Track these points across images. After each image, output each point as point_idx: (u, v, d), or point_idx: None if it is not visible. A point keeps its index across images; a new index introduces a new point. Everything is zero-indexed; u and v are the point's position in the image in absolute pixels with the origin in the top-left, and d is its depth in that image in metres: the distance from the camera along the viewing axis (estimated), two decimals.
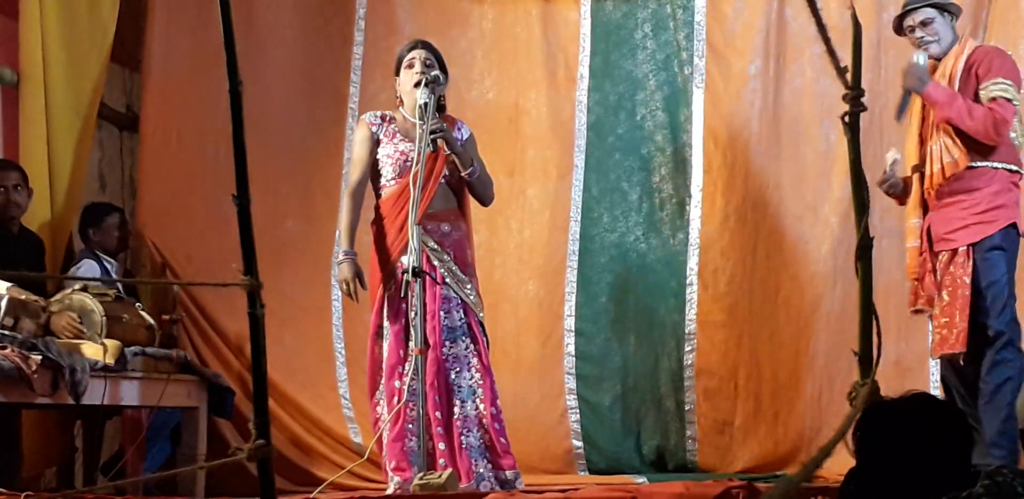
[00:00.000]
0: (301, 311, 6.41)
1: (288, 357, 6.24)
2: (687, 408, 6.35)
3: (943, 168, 5.08)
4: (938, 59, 5.22)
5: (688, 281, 6.44)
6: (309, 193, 6.62)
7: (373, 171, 5.26)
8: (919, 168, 5.21)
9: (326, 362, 6.46)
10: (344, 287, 5.15)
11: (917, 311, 5.27)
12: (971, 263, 5.05)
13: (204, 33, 6.38)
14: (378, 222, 5.22)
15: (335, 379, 6.43)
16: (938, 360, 5.38)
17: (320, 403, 6.37)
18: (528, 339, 6.49)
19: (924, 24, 5.21)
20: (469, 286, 5.18)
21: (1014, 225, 5.12)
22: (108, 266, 6.02)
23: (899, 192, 5.32)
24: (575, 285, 6.50)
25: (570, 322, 6.47)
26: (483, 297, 5.26)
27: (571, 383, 6.42)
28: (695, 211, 6.47)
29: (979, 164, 5.10)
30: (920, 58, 5.12)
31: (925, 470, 2.21)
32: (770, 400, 6.28)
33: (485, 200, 5.37)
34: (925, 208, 5.23)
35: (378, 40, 6.66)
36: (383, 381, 5.07)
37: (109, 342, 5.05)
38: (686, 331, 6.41)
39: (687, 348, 6.40)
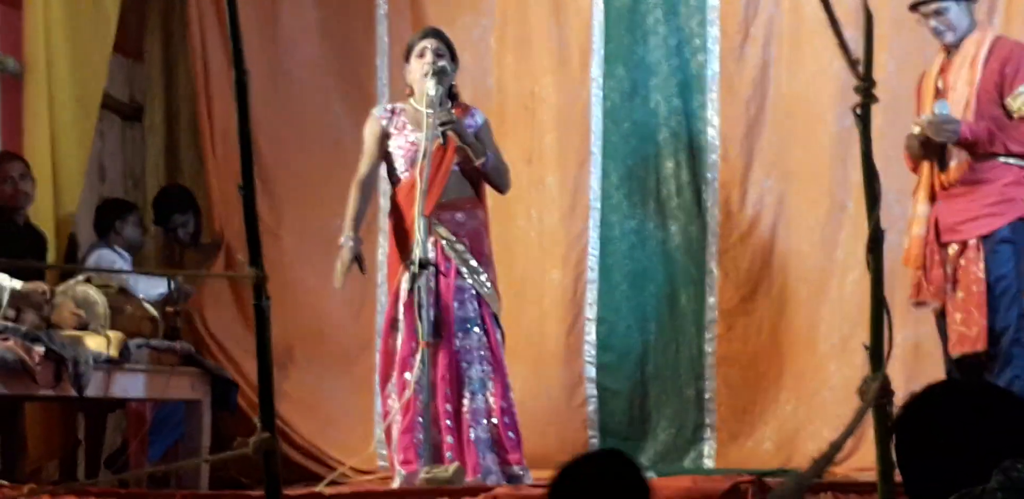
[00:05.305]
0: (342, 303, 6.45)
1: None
2: (707, 396, 6.30)
3: (961, 164, 5.02)
4: (955, 46, 5.13)
5: (708, 268, 6.39)
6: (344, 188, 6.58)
7: (388, 164, 5.22)
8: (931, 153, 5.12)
9: None
10: (338, 266, 5.05)
11: (920, 303, 5.18)
12: (982, 256, 4.99)
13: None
14: (394, 213, 5.19)
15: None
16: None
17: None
18: (551, 327, 6.43)
19: (938, 13, 5.10)
20: (484, 277, 5.11)
21: (1023, 219, 5.08)
22: (122, 261, 6.01)
23: (916, 154, 5.12)
24: (597, 273, 6.45)
25: (592, 310, 6.41)
26: (507, 286, 5.18)
27: (591, 372, 6.37)
28: (712, 197, 6.41)
29: (990, 158, 5.05)
30: (942, 108, 4.99)
31: (993, 454, 2.15)
32: (791, 388, 6.20)
33: (502, 188, 5.32)
34: (932, 195, 5.14)
35: (401, 31, 6.58)
36: (396, 373, 5.03)
37: (112, 334, 5.02)
38: (706, 319, 6.36)
39: (707, 336, 6.35)
